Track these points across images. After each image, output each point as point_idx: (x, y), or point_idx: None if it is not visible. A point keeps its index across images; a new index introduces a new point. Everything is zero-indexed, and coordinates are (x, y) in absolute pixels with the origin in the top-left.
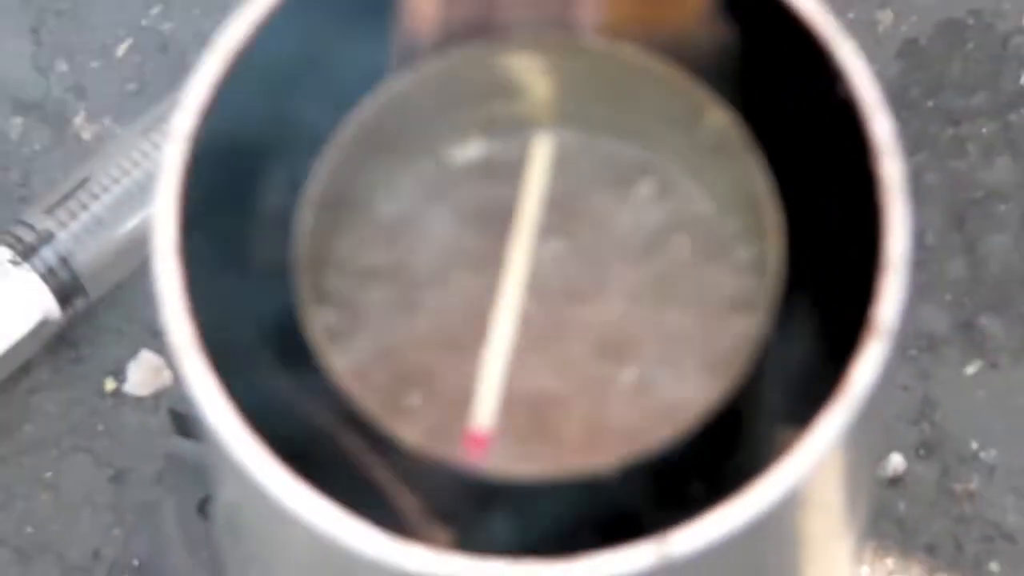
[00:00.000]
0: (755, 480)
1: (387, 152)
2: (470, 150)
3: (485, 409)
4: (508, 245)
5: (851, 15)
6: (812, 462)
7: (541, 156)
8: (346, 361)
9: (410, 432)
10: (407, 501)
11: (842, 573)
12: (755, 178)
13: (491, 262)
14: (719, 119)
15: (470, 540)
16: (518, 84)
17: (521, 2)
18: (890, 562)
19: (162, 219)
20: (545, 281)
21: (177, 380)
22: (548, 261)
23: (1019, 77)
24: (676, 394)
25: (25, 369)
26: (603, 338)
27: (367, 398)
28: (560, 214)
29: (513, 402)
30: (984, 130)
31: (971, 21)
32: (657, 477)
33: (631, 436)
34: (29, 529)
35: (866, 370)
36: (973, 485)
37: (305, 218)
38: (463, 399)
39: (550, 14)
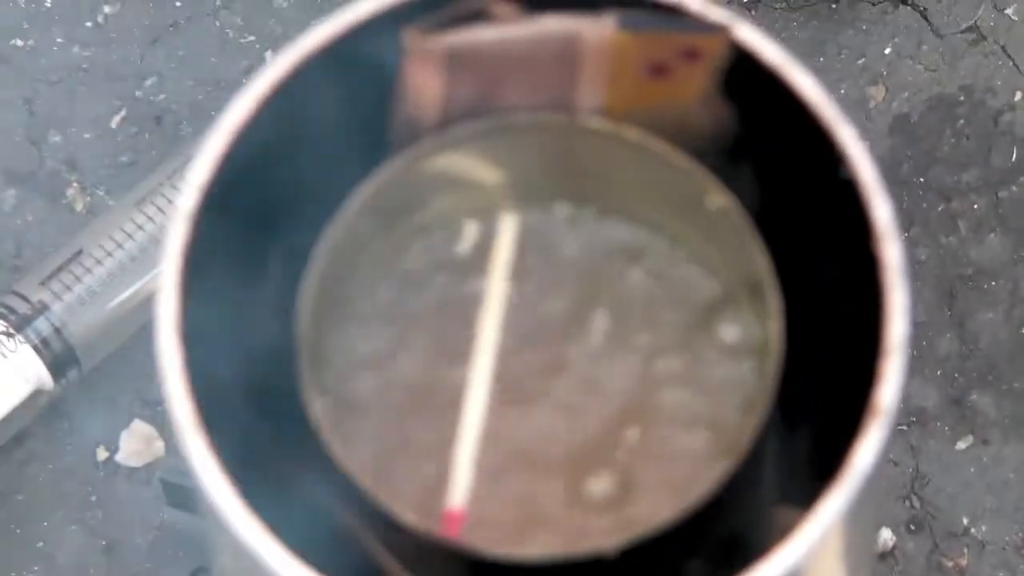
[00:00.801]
0: (758, 560)
1: (378, 241)
2: (466, 235)
3: (458, 490)
4: (478, 332)
5: (843, 90)
6: (814, 542)
7: (506, 240)
8: (343, 442)
9: (404, 510)
10: (404, 566)
11: None
12: (756, 261)
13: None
14: (720, 201)
15: None
16: (516, 167)
17: (523, 85)
18: None
19: (165, 299)
20: (541, 360)
21: (172, 452)
22: (543, 340)
23: (1010, 154)
24: (674, 473)
25: (18, 439)
26: (598, 415)
27: (362, 477)
28: (558, 290)
29: (506, 484)
30: (975, 206)
31: (962, 98)
32: (658, 557)
33: (623, 517)
34: None
35: (867, 452)
36: (964, 561)
37: (303, 309)
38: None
39: (551, 98)
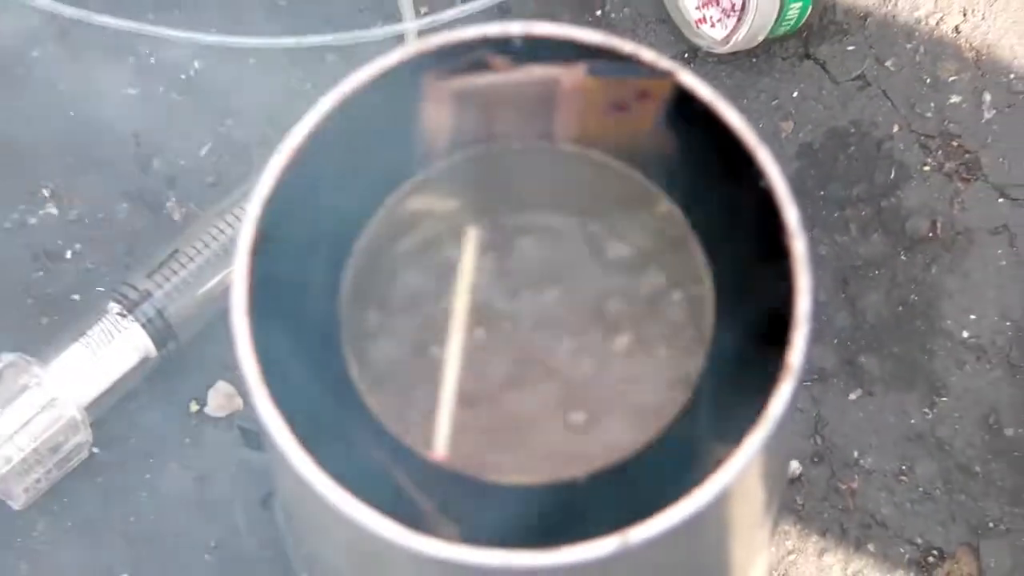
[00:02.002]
0: (699, 483)
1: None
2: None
3: (440, 442)
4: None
5: (760, 124)
6: (740, 469)
7: (469, 246)
8: (373, 390)
9: (420, 444)
10: (421, 498)
11: (759, 554)
12: (694, 253)
13: (476, 321)
14: (665, 208)
15: (471, 534)
16: (502, 191)
17: (513, 118)
18: (789, 544)
19: (237, 288)
20: (520, 332)
21: (247, 405)
22: (524, 314)
23: (889, 173)
24: (630, 416)
25: (130, 395)
26: (563, 371)
27: (387, 418)
28: (536, 276)
29: (498, 423)
30: (862, 213)
31: (852, 130)
32: (619, 483)
33: (592, 452)
34: (132, 519)
35: (781, 400)
36: (855, 484)
37: (346, 291)
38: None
39: (535, 128)
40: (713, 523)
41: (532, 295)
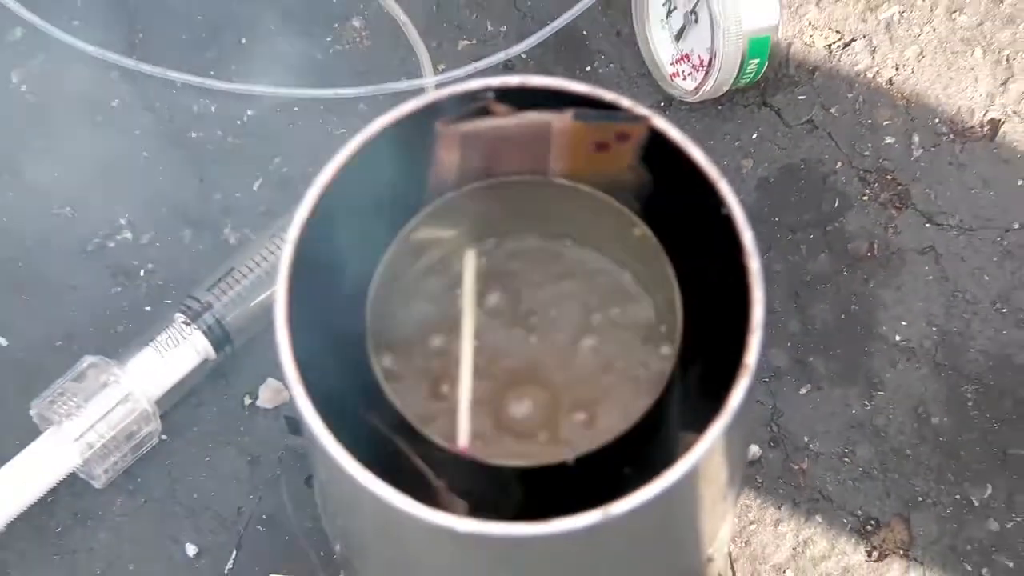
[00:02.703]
0: (671, 465)
1: (406, 268)
2: (475, 254)
3: (463, 435)
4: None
5: (725, 161)
6: (705, 453)
7: (470, 264)
8: (394, 386)
9: (435, 433)
10: (434, 478)
11: (723, 524)
12: (665, 270)
13: (489, 324)
14: (640, 232)
15: (477, 509)
16: (503, 216)
17: (512, 158)
18: (750, 515)
19: (279, 302)
20: (516, 337)
21: (290, 399)
22: (520, 321)
23: (833, 202)
24: (616, 403)
25: (193, 391)
26: (556, 367)
27: (406, 409)
28: (531, 287)
29: (499, 415)
30: (811, 236)
31: (802, 166)
32: (604, 464)
33: (580, 438)
34: (195, 495)
35: (739, 394)
36: (805, 465)
37: (371, 303)
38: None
39: (531, 165)
40: (682, 498)
41: (526, 305)
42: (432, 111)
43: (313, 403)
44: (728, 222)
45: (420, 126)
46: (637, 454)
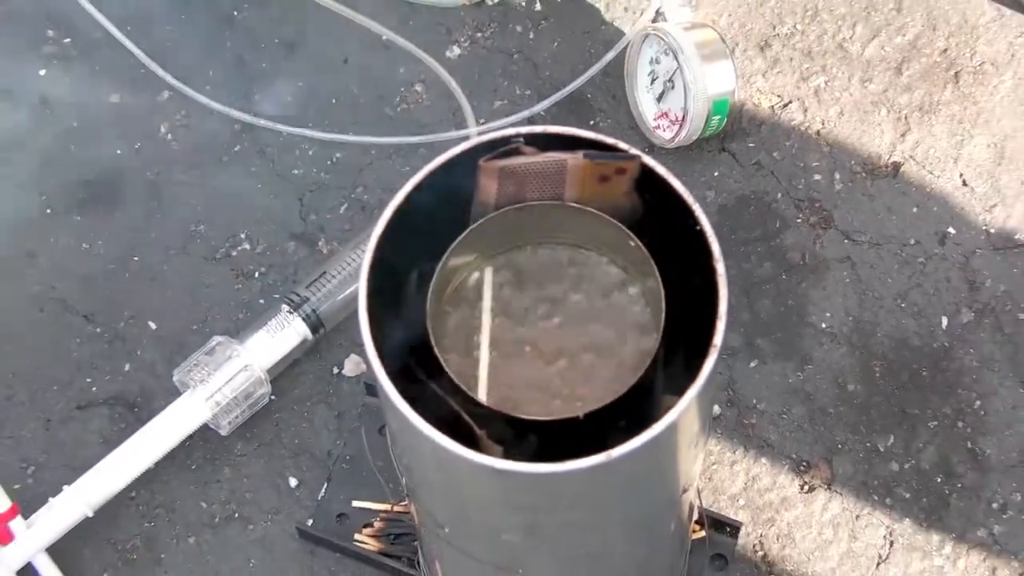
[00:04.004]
0: (655, 420)
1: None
2: (508, 258)
3: (482, 391)
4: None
5: (694, 193)
6: (682, 411)
7: (488, 277)
8: (447, 358)
9: (475, 392)
10: (477, 429)
11: (695, 464)
12: (652, 271)
13: (519, 310)
14: (633, 243)
15: (509, 452)
16: (530, 231)
17: (536, 187)
18: (712, 458)
19: (361, 296)
20: (534, 322)
21: (368, 369)
22: (538, 310)
23: (775, 223)
24: (614, 372)
25: (294, 365)
26: (569, 344)
27: (457, 376)
28: (551, 283)
29: (528, 382)
30: (759, 249)
31: (752, 196)
32: (605, 419)
33: (585, 399)
34: (296, 441)
35: (709, 366)
36: (754, 421)
37: (428, 303)
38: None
39: (550, 193)
40: (665, 445)
41: (543, 299)
42: (475, 153)
43: (387, 372)
44: (700, 236)
45: (466, 164)
46: (631, 412)
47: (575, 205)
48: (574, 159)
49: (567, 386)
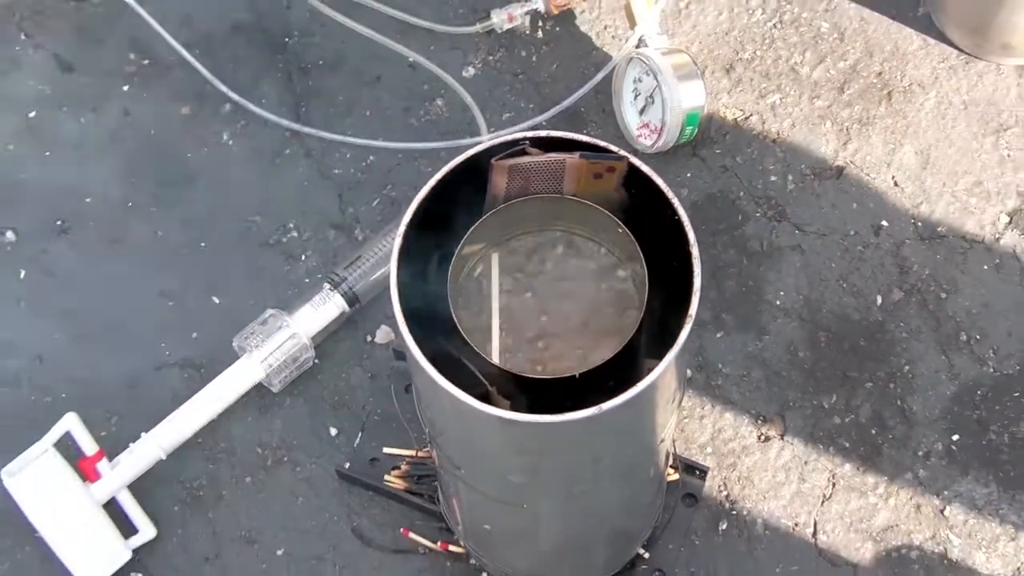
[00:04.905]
0: (639, 380)
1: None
2: (515, 242)
3: (495, 354)
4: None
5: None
6: (662, 371)
7: (495, 260)
8: (464, 326)
9: (487, 353)
10: (488, 386)
11: (671, 417)
12: (638, 253)
13: (524, 285)
14: (621, 230)
15: (516, 405)
16: (534, 218)
17: (540, 182)
18: (684, 412)
19: (393, 273)
20: (535, 296)
21: (396, 337)
22: (538, 285)
23: (738, 217)
24: (605, 338)
25: (333, 334)
26: (566, 315)
27: (472, 340)
28: (552, 262)
29: (530, 345)
30: (724, 238)
31: (719, 195)
32: (597, 378)
33: (580, 361)
34: (335, 397)
35: (684, 333)
36: (719, 382)
37: (453, 271)
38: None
39: (552, 187)
40: (646, 401)
41: (545, 276)
42: (488, 154)
43: (414, 338)
44: (678, 225)
45: (480, 163)
46: (618, 373)
47: (572, 198)
48: (572, 159)
49: (566, 349)
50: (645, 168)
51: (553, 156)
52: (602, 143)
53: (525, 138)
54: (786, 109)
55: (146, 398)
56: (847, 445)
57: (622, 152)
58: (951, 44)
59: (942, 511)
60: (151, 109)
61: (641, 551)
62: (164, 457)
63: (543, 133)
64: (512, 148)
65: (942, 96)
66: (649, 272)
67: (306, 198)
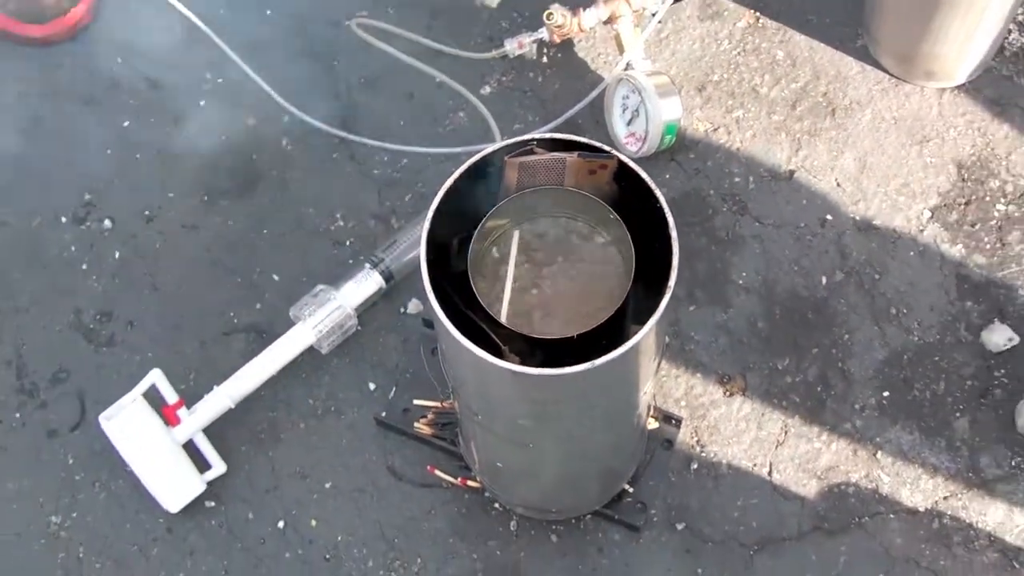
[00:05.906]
0: (625, 341)
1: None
2: (526, 224)
3: (504, 316)
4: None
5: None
6: (645, 334)
7: (515, 238)
8: (483, 294)
9: (500, 316)
10: (502, 344)
11: (651, 376)
12: (625, 236)
13: (531, 261)
14: (613, 217)
15: (524, 360)
16: (540, 206)
17: (545, 176)
18: (663, 372)
19: (422, 255)
20: (540, 269)
21: (425, 307)
22: (543, 260)
23: (708, 211)
24: (598, 306)
25: (371, 307)
26: (566, 286)
27: (488, 305)
28: (554, 242)
29: (537, 310)
30: (696, 229)
31: (692, 193)
32: (591, 338)
33: (577, 324)
34: (375, 357)
35: (663, 304)
36: (691, 347)
37: (472, 252)
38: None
39: (555, 181)
40: (632, 359)
41: (549, 253)
42: (501, 153)
43: (442, 308)
44: (661, 213)
45: (494, 161)
46: (609, 334)
47: (572, 189)
48: (571, 157)
49: (565, 315)
50: (632, 165)
51: (556, 155)
52: (596, 143)
53: (533, 139)
54: (748, 122)
55: (218, 357)
56: (797, 400)
57: (614, 152)
58: (884, 70)
59: (875, 454)
60: (222, 120)
61: (627, 486)
62: (232, 406)
63: (548, 135)
64: (522, 148)
65: (876, 113)
66: (636, 252)
67: (351, 194)
